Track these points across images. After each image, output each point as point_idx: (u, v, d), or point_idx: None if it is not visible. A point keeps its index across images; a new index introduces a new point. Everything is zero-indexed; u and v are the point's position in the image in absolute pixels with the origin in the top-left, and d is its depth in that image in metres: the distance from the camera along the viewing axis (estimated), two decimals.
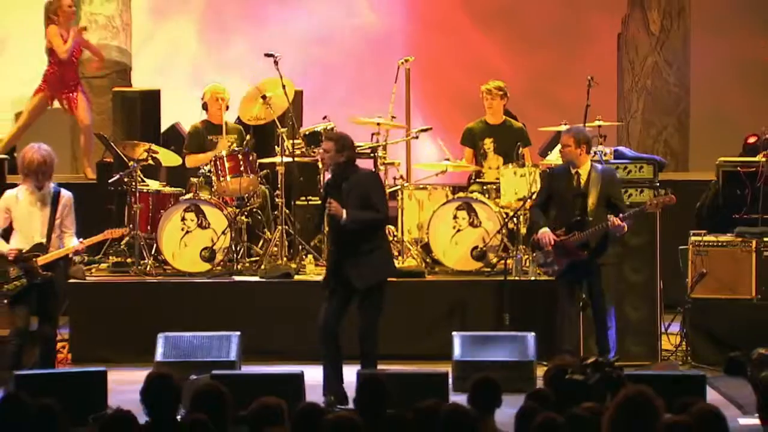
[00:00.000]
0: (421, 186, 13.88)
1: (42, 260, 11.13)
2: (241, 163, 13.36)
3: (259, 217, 13.74)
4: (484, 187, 13.63)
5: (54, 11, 15.02)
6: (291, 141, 13.54)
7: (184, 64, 17.15)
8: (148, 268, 13.35)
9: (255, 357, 12.18)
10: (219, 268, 13.34)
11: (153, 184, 13.71)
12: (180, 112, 15.78)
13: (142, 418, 7.35)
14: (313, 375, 11.01)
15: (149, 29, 16.97)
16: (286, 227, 13.27)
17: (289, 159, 13.46)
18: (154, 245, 13.37)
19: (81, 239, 11.33)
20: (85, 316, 13.00)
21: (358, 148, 13.33)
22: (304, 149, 13.51)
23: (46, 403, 7.30)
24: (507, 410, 7.91)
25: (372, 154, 13.61)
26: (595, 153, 12.74)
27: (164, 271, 13.40)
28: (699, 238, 12.95)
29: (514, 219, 13.17)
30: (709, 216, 13.67)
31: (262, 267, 13.32)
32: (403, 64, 14.30)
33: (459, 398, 8.45)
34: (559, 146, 13.61)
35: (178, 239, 13.29)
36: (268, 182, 13.75)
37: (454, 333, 12.18)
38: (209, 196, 13.46)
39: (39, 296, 11.20)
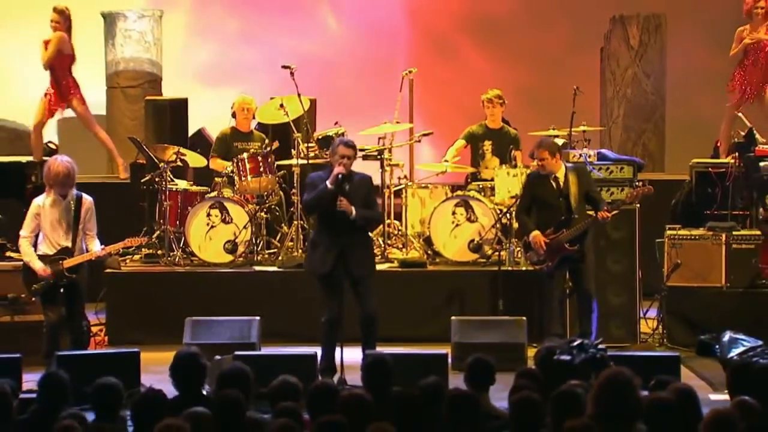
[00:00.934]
0: (423, 185, 13.90)
1: (68, 263, 11.09)
2: (261, 164, 13.39)
3: (277, 213, 13.75)
4: (480, 186, 13.63)
5: (67, 18, 14.75)
6: (306, 144, 13.56)
7: (210, 75, 17.12)
8: (176, 260, 13.36)
9: (273, 339, 12.18)
10: (241, 259, 13.35)
11: (181, 184, 13.71)
12: (205, 118, 15.79)
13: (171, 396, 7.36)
14: None
15: (178, 44, 16.94)
16: (301, 222, 13.27)
17: (304, 161, 13.47)
18: (182, 238, 13.38)
19: (103, 246, 11.26)
20: (120, 303, 13.02)
21: (366, 151, 13.39)
22: (317, 152, 13.50)
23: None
24: (500, 387, 7.95)
25: (378, 156, 13.60)
26: (580, 155, 12.76)
27: (191, 262, 13.40)
28: (674, 232, 12.94)
29: (507, 215, 13.16)
30: (683, 212, 13.68)
31: (280, 258, 13.32)
32: (407, 75, 14.30)
33: (457, 376, 8.46)
34: None
35: (203, 233, 13.30)
36: (285, 182, 13.75)
37: (452, 318, 12.17)
38: (232, 195, 13.47)
39: (65, 294, 11.18)
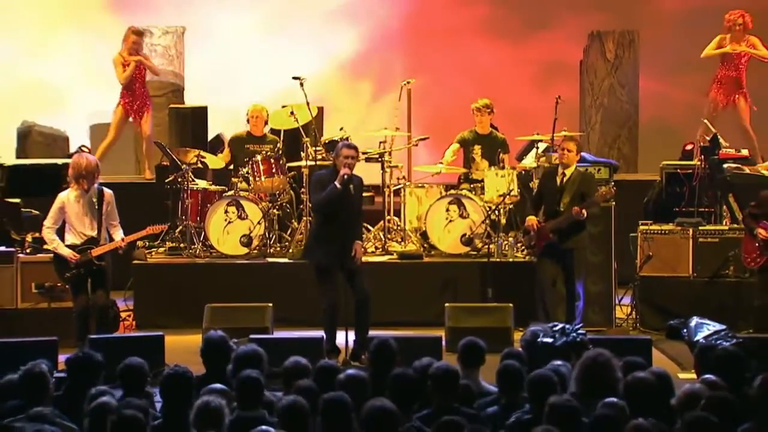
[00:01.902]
0: (420, 185, 13.88)
1: (96, 252, 11.10)
2: (273, 166, 13.38)
3: (288, 210, 13.73)
4: (471, 186, 13.62)
5: (122, 42, 15.00)
6: (314, 148, 13.55)
7: (228, 85, 17.09)
8: (197, 252, 13.34)
9: (284, 324, 12.16)
10: (255, 251, 13.32)
11: (201, 183, 13.69)
12: (223, 124, 15.76)
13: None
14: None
15: (199, 56, 16.91)
16: (309, 218, 13.24)
17: (312, 163, 13.45)
18: (202, 233, 13.35)
19: (123, 236, 11.25)
20: (147, 291, 12.99)
21: (368, 154, 13.37)
22: (324, 155, 13.49)
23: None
24: (489, 366, 7.93)
25: (379, 159, 13.59)
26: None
27: (210, 254, 13.37)
28: (646, 227, 12.95)
29: (496, 212, 13.15)
30: (655, 209, 13.67)
31: (290, 251, 13.30)
32: (405, 85, 14.30)
33: (451, 358, 8.43)
34: (534, 152, 13.65)
35: (221, 228, 13.28)
36: (295, 181, 13.73)
37: (446, 305, 12.17)
38: (247, 193, 13.44)
39: (93, 280, 11.17)
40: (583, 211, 11.71)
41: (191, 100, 16.33)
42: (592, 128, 16.20)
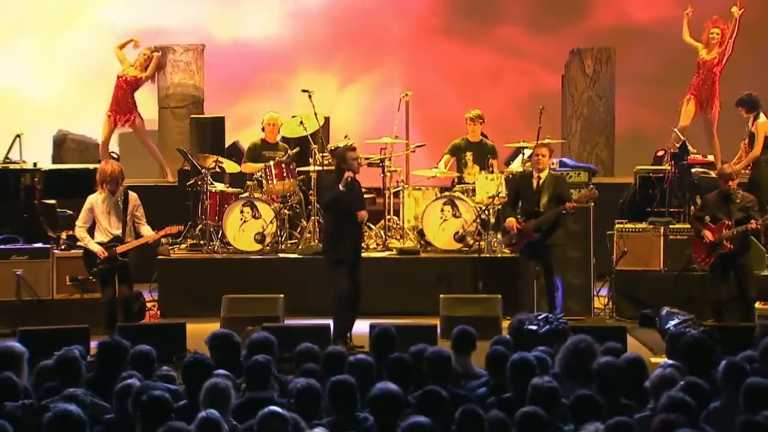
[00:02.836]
0: (417, 187, 13.88)
1: (120, 249, 11.10)
2: (284, 170, 13.38)
3: (298, 210, 13.73)
4: (464, 188, 13.61)
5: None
6: (321, 154, 13.56)
7: (243, 98, 17.10)
8: (215, 248, 13.33)
9: (294, 313, 12.14)
10: (268, 247, 13.31)
11: (219, 186, 13.69)
12: (239, 133, 15.77)
13: None
14: None
15: (217, 71, 16.92)
16: (317, 218, 13.25)
17: (320, 167, 13.45)
18: (220, 231, 13.35)
19: (149, 233, 11.24)
20: (170, 283, 12.98)
21: (370, 159, 13.38)
22: (330, 160, 13.48)
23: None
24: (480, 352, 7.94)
25: (380, 164, 13.59)
26: None
27: (227, 250, 13.36)
28: (622, 226, 12.95)
29: (486, 212, 13.15)
30: (629, 209, 13.67)
31: (300, 247, 13.30)
32: (404, 97, 14.30)
33: (445, 344, 8.44)
34: (520, 157, 13.68)
35: (237, 226, 13.27)
36: (304, 184, 13.73)
37: (441, 296, 12.17)
38: (261, 195, 13.44)
39: (119, 274, 11.17)
40: (572, 206, 11.72)
41: (210, 110, 16.32)
42: (573, 136, 16.19)
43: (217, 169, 13.76)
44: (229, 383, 6.51)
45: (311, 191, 13.42)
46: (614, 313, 12.69)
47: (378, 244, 13.50)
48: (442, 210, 13.32)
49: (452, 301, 12.10)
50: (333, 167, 12.63)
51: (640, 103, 15.57)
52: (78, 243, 11.58)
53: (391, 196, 13.65)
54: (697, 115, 14.35)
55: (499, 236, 13.02)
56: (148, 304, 12.54)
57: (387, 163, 13.64)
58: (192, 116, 15.89)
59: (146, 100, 15.68)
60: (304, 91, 13.72)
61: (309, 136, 13.75)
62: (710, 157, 13.97)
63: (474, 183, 13.48)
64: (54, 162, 15.27)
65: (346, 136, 13.84)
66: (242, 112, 16.58)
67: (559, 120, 16.27)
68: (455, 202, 13.31)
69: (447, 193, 13.54)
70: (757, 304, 11.74)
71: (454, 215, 13.29)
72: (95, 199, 11.19)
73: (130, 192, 11.28)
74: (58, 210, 13.36)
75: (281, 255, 13.26)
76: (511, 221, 11.88)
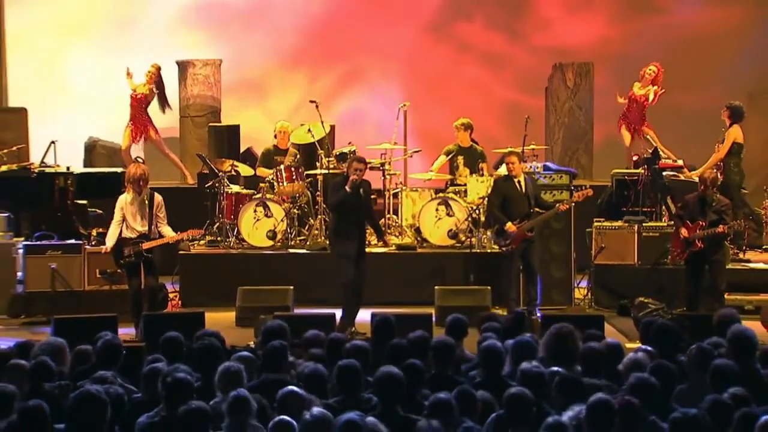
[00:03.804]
0: (414, 189, 13.89)
1: (145, 245, 11.09)
2: (294, 173, 13.39)
3: (306, 210, 13.74)
4: (456, 190, 13.63)
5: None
6: (327, 159, 13.57)
7: (257, 107, 17.12)
8: (231, 244, 13.36)
9: (302, 303, 12.15)
10: (279, 243, 13.32)
11: (235, 188, 13.71)
12: (252, 139, 15.79)
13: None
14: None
15: (233, 84, 16.94)
16: (323, 217, 13.27)
17: (326, 171, 13.47)
18: (236, 228, 13.36)
19: (171, 234, 11.21)
20: (190, 276, 12.99)
21: (371, 163, 13.39)
22: (335, 164, 13.52)
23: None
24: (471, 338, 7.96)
25: (381, 167, 13.61)
26: (530, 167, 12.76)
27: (242, 246, 13.37)
28: (600, 224, 12.96)
29: (477, 211, 13.17)
30: (606, 209, 13.69)
31: (308, 243, 13.31)
32: (402, 107, 14.31)
33: (440, 331, 8.46)
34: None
35: (251, 224, 13.29)
36: (312, 186, 13.74)
37: (436, 287, 12.19)
38: (272, 196, 13.46)
39: (144, 267, 11.17)
40: (567, 207, 11.75)
41: (226, 119, 16.35)
42: (556, 142, 16.22)
43: (233, 173, 13.78)
44: (241, 366, 6.54)
45: (318, 192, 13.43)
46: (593, 303, 12.70)
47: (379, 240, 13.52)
48: (437, 209, 13.34)
49: (446, 292, 12.12)
50: (339, 171, 12.69)
51: (616, 113, 15.55)
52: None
53: (391, 197, 13.67)
54: (633, 139, 14.57)
55: (489, 234, 13.03)
56: (171, 295, 12.55)
57: (387, 167, 13.66)
58: (210, 124, 15.91)
59: (169, 110, 15.66)
60: (311, 101, 13.74)
61: (316, 142, 13.76)
62: (679, 162, 13.97)
63: (465, 185, 13.50)
64: (85, 166, 15.29)
65: (349, 143, 13.87)
66: (256, 121, 16.60)
67: (543, 128, 16.29)
68: (449, 203, 13.33)
69: (441, 194, 13.56)
70: (727, 295, 11.76)
71: (448, 214, 13.31)
72: (124, 199, 11.20)
73: (155, 193, 11.28)
74: (88, 209, 13.39)
75: (291, 250, 13.27)
76: (511, 226, 11.69)
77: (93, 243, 12.55)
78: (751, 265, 12.98)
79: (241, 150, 15.44)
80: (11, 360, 7.00)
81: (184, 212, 12.45)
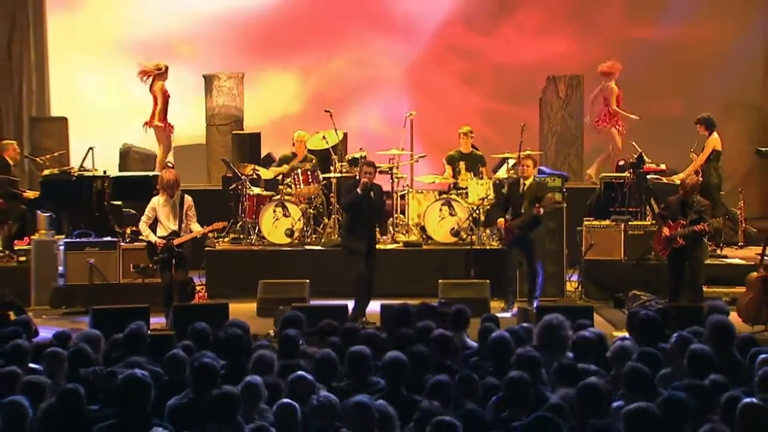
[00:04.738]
0: (420, 191, 13.88)
1: (177, 241, 11.10)
2: (310, 177, 13.39)
3: (321, 210, 13.73)
4: (458, 192, 13.61)
5: (163, 72, 14.34)
6: (340, 164, 13.57)
7: (276, 116, 17.12)
8: (253, 241, 13.35)
9: (317, 295, 12.14)
10: (296, 241, 13.31)
11: (256, 190, 13.71)
12: (272, 145, 15.78)
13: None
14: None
15: (254, 96, 16.93)
16: (337, 216, 13.26)
17: (339, 175, 13.46)
18: (257, 227, 13.36)
19: (199, 229, 11.19)
20: (216, 270, 13.01)
21: (381, 167, 13.37)
22: (348, 169, 13.51)
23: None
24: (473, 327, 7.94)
25: (389, 171, 13.60)
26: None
27: (263, 243, 13.37)
28: (589, 223, 12.94)
29: (477, 211, 13.15)
30: (595, 209, 13.65)
31: (322, 240, 13.31)
32: (409, 116, 14.30)
33: None
34: (505, 166, 13.68)
35: (271, 223, 13.29)
36: (326, 189, 13.74)
37: (439, 280, 12.17)
38: (290, 197, 13.45)
39: (175, 262, 11.16)
40: (540, 209, 11.72)
41: (248, 127, 16.34)
42: (549, 148, 16.17)
43: (254, 176, 13.79)
44: (273, 354, 6.55)
45: (332, 194, 13.43)
46: (583, 295, 12.68)
47: (387, 238, 13.50)
48: (441, 210, 13.32)
49: (449, 285, 12.10)
50: (352, 174, 12.68)
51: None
52: (140, 237, 11.61)
53: (398, 198, 13.66)
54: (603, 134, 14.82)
55: (488, 231, 13.05)
56: (198, 288, 12.56)
57: (395, 170, 13.65)
58: (234, 132, 15.91)
59: (196, 119, 15.68)
60: (326, 111, 13.73)
61: (330, 149, 13.76)
62: (662, 166, 13.93)
63: (467, 187, 13.48)
64: (120, 170, 15.29)
65: (360, 149, 13.87)
66: (276, 129, 16.60)
67: (538, 135, 16.24)
68: (451, 203, 13.31)
69: (444, 196, 13.54)
70: (706, 288, 11.75)
71: (451, 214, 13.29)
72: (157, 201, 11.21)
73: (186, 195, 11.29)
74: (123, 210, 13.40)
75: (307, 247, 13.26)
76: (500, 221, 11.92)
77: (127, 240, 12.57)
78: (728, 260, 12.96)
79: (262, 155, 15.43)
80: (50, 348, 7.01)
81: (209, 212, 12.43)
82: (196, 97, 16.39)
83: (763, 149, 14.07)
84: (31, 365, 6.91)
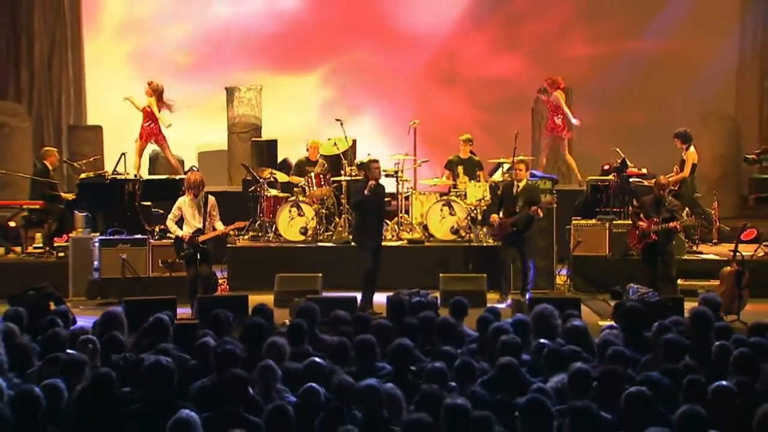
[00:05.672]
0: (422, 192, 13.88)
1: (201, 238, 11.09)
2: (322, 180, 13.39)
3: (332, 210, 13.72)
4: (457, 193, 13.59)
5: (161, 92, 14.09)
6: (349, 168, 13.56)
7: (292, 125, 17.10)
8: (270, 239, 13.34)
9: (330, 288, 12.10)
10: (309, 238, 13.29)
11: (273, 192, 13.69)
12: (288, 151, 15.77)
13: None
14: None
15: (272, 106, 16.92)
16: (347, 216, 13.24)
17: (349, 178, 13.44)
18: (274, 225, 13.35)
19: (222, 227, 11.17)
20: (236, 264, 12.99)
21: (387, 171, 13.36)
22: (357, 172, 13.49)
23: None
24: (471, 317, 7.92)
25: (395, 175, 13.59)
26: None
27: (279, 240, 13.35)
28: (577, 221, 12.93)
29: (475, 211, 13.13)
30: (583, 209, 13.62)
31: (334, 238, 13.29)
32: (413, 125, 14.29)
33: (444, 311, 8.42)
34: (500, 170, 13.66)
35: (287, 222, 13.28)
36: (337, 191, 13.72)
37: (440, 274, 12.14)
38: (304, 198, 13.43)
39: (200, 258, 11.15)
40: (539, 211, 11.69)
41: (266, 135, 16.33)
42: (540, 154, 16.13)
43: (272, 179, 13.78)
44: (285, 341, 6.53)
45: (342, 195, 13.43)
46: (571, 287, 12.66)
47: (392, 236, 13.49)
48: (441, 210, 13.30)
49: (449, 278, 12.07)
50: (360, 177, 12.66)
51: (590, 130, 15.48)
52: (168, 234, 11.61)
53: (403, 199, 13.65)
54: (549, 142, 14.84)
55: (485, 229, 13.03)
56: (220, 281, 12.55)
57: (399, 174, 13.64)
58: (253, 139, 15.91)
59: (218, 127, 15.66)
60: (337, 119, 13.72)
61: (341, 154, 13.76)
62: (644, 170, 13.89)
63: (465, 190, 13.46)
64: (149, 174, 15.30)
65: (368, 154, 13.84)
66: (292, 136, 16.58)
67: (530, 141, 16.21)
68: (451, 204, 13.29)
69: (445, 197, 13.52)
70: (680, 281, 11.75)
71: (451, 214, 13.27)
72: (183, 201, 11.21)
73: (210, 196, 11.28)
74: (152, 210, 13.41)
75: (319, 244, 13.25)
76: (494, 217, 11.95)
77: (156, 237, 12.56)
78: (703, 256, 12.93)
79: (279, 160, 15.42)
80: (82, 336, 7.00)
81: (231, 212, 12.42)
82: (218, 108, 16.39)
83: (750, 156, 14.02)
84: (69, 351, 6.90)
